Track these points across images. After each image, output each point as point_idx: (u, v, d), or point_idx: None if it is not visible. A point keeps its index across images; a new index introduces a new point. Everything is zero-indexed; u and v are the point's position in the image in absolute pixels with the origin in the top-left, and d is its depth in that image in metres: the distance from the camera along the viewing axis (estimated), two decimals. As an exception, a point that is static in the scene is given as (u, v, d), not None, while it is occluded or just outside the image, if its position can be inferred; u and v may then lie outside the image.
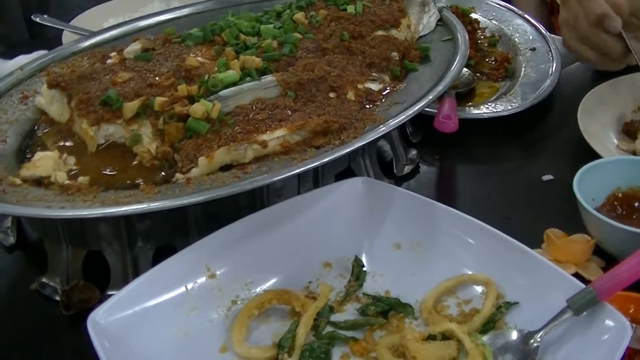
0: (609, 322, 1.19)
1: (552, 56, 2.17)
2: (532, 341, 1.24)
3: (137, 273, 1.43)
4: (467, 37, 1.84)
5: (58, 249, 1.50)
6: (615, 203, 1.57)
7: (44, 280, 1.51)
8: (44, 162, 1.49)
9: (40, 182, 1.47)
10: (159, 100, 1.52)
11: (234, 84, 1.58)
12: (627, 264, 1.25)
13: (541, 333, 1.23)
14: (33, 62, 1.88)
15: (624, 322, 1.17)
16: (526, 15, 2.37)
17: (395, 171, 1.78)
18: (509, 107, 1.97)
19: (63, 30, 2.39)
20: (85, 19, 2.48)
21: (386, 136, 1.73)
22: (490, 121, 1.95)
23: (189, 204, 1.33)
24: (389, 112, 1.57)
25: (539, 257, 1.33)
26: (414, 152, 1.84)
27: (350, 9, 1.87)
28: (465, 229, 1.41)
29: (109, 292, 1.45)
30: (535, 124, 1.99)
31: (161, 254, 1.41)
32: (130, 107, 1.53)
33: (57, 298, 1.47)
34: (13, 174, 1.50)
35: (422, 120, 1.88)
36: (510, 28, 2.34)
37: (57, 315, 1.44)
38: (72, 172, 1.51)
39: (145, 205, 1.33)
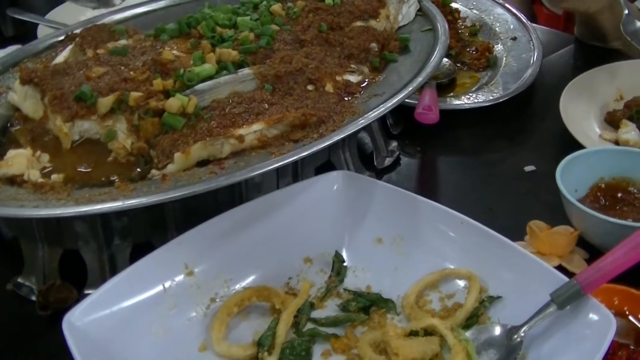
0: (593, 316, 1.18)
1: (533, 45, 2.16)
2: (515, 336, 1.22)
3: (114, 271, 1.41)
4: (447, 27, 1.83)
5: (34, 248, 1.48)
6: (599, 194, 1.56)
7: (20, 280, 1.49)
8: (17, 160, 1.46)
9: (13, 180, 1.44)
10: (134, 95, 1.50)
11: (211, 77, 1.56)
12: (612, 256, 1.23)
13: (525, 327, 1.22)
14: (6, 57, 1.86)
15: (609, 315, 1.16)
16: (507, 4, 2.36)
17: (375, 163, 1.77)
18: (491, 98, 1.97)
19: (39, 24, 2.36)
20: (62, 13, 2.45)
21: (366, 128, 1.71)
22: (471, 112, 1.94)
23: (164, 200, 1.31)
24: (368, 104, 1.55)
25: (522, 251, 1.31)
26: (394, 144, 1.82)
27: (329, -1, 1.85)
28: (447, 223, 1.39)
29: (87, 291, 1.43)
30: (517, 114, 1.98)
31: (139, 251, 1.38)
32: (105, 102, 1.51)
33: (34, 298, 1.45)
34: (-14, 173, 1.47)
35: (403, 112, 1.86)
36: (491, 17, 2.34)
37: (34, 316, 1.42)
38: (46, 170, 1.48)
39: (120, 203, 1.30)
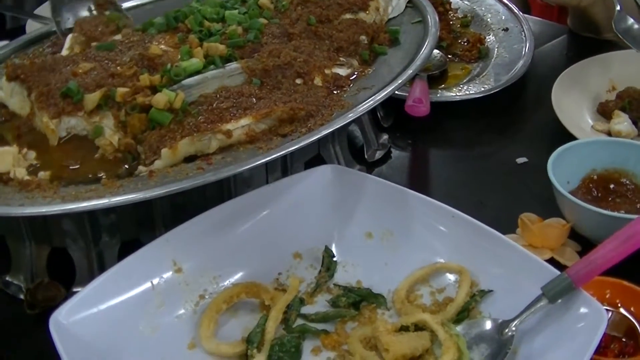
0: (585, 310, 1.17)
1: (525, 36, 2.16)
2: (506, 330, 1.21)
3: (102, 269, 1.40)
4: (437, 19, 1.81)
5: (21, 246, 1.47)
6: (591, 185, 1.55)
7: (7, 278, 1.48)
8: (3, 157, 1.44)
9: (-1, 178, 1.43)
10: (121, 91, 1.49)
11: (198, 72, 1.54)
12: (603, 249, 1.22)
13: (516, 322, 1.21)
14: (-7, 53, 1.85)
15: (600, 309, 1.15)
16: (499, -5, 2.35)
17: (366, 157, 1.76)
18: (482, 89, 1.96)
19: (27, 19, 2.35)
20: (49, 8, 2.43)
21: (356, 121, 1.70)
22: (463, 104, 1.93)
23: (150, 197, 1.29)
24: (358, 97, 1.54)
25: (513, 244, 1.30)
26: (385, 137, 1.81)
27: (317, -8, 1.83)
28: (437, 217, 1.38)
29: (75, 289, 1.42)
30: (509, 106, 1.97)
31: (128, 249, 1.37)
32: (92, 98, 1.49)
33: (22, 297, 1.44)
34: (-29, 171, 1.46)
35: (394, 104, 1.85)
36: (483, 8, 2.33)
37: (22, 315, 1.41)
38: (33, 167, 1.47)
39: (106, 201, 1.29)
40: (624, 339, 1.24)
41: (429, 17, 1.82)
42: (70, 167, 1.47)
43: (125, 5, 2.04)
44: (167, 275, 1.33)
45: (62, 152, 1.51)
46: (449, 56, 2.15)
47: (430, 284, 1.36)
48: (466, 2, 2.36)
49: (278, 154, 1.37)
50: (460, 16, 2.31)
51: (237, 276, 1.38)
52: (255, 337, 1.27)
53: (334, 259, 1.42)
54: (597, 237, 1.38)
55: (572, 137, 1.67)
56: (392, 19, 1.91)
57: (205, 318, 1.30)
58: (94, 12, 1.88)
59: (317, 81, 1.58)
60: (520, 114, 1.96)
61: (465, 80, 2.05)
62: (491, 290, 1.30)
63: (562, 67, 1.96)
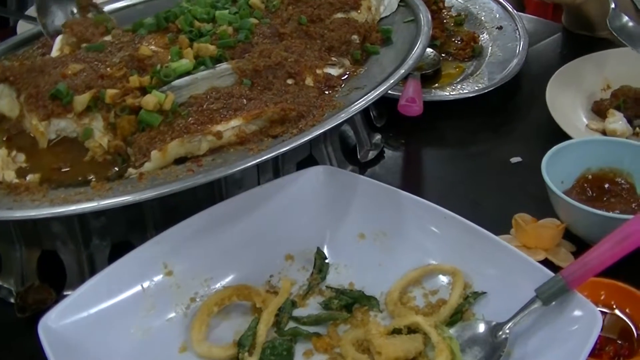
0: (579, 312, 1.16)
1: (519, 34, 2.15)
2: (500, 333, 1.20)
3: (93, 271, 1.39)
4: (430, 18, 1.80)
5: (11, 250, 1.46)
6: (585, 185, 1.54)
7: (-3, 282, 1.48)
8: (-8, 160, 1.44)
9: (-13, 181, 1.42)
10: (110, 92, 1.48)
11: (188, 73, 1.53)
12: (598, 250, 1.21)
13: (509, 324, 1.20)
14: (-17, 54, 1.84)
15: (595, 311, 1.14)
16: (493, -8, 2.34)
17: (359, 157, 1.75)
18: (476, 88, 1.95)
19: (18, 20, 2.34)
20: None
21: (349, 121, 1.69)
22: (456, 103, 1.92)
23: (139, 200, 1.28)
24: (349, 97, 1.53)
25: (507, 245, 1.29)
26: (378, 136, 1.80)
27: (308, -9, 1.83)
28: (430, 218, 1.37)
29: (66, 292, 1.41)
30: (503, 105, 1.96)
31: (118, 251, 1.36)
32: (81, 100, 1.48)
33: (12, 300, 1.44)
34: (-41, 174, 1.45)
35: (386, 104, 1.84)
36: (477, 6, 2.32)
37: (12, 318, 1.40)
38: (22, 170, 1.46)
39: (95, 204, 1.28)
40: (619, 341, 1.24)
41: (421, 15, 1.81)
42: (60, 170, 1.46)
43: (116, 5, 2.03)
44: (158, 278, 1.32)
45: (51, 155, 1.50)
46: (443, 55, 2.14)
47: (423, 286, 1.36)
48: (460, 0, 2.36)
49: (269, 155, 1.36)
50: (453, 14, 2.31)
51: (229, 279, 1.38)
52: (247, 340, 1.26)
53: (326, 260, 1.41)
54: (592, 237, 1.37)
55: (566, 137, 1.67)
56: (384, 18, 1.90)
57: (196, 321, 1.30)
58: (77, 15, 1.86)
59: (309, 81, 1.57)
60: (514, 113, 1.95)
61: (458, 79, 2.05)
62: (485, 292, 1.29)
63: (557, 66, 1.96)
